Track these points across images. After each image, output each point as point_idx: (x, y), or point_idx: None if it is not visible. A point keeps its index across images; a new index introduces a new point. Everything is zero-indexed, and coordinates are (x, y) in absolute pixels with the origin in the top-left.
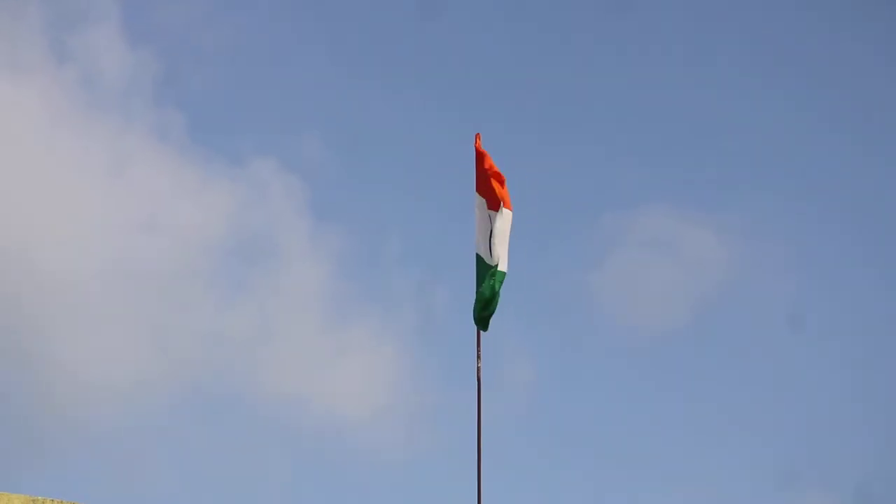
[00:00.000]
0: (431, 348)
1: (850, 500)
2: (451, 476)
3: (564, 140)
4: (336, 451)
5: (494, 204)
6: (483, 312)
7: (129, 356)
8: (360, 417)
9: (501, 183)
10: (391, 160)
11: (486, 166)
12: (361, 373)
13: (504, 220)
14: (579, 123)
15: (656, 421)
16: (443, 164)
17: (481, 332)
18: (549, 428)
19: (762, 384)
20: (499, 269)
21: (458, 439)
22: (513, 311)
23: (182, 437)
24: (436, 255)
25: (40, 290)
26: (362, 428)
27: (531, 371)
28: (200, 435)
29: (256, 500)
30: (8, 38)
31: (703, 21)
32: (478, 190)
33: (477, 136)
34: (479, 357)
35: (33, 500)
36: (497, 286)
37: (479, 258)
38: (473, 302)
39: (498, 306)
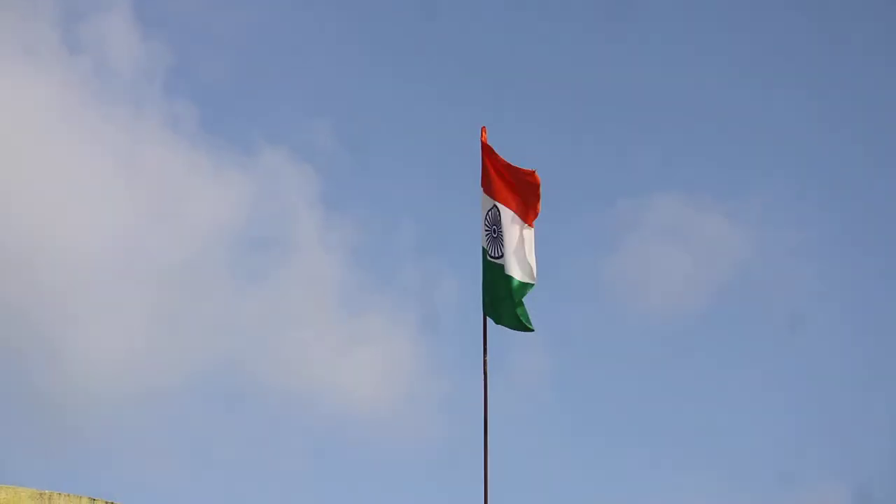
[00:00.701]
0: (443, 338)
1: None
2: (462, 465)
3: (578, 129)
4: (348, 440)
5: (523, 213)
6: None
7: (141, 346)
8: (372, 406)
9: (529, 191)
10: (403, 150)
11: (499, 163)
12: (373, 362)
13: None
14: (593, 112)
15: (668, 409)
16: (455, 154)
17: (490, 323)
18: (563, 415)
19: (771, 374)
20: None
21: (470, 428)
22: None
23: (195, 427)
24: (448, 245)
25: (51, 280)
26: (374, 417)
27: (544, 359)
28: (213, 424)
29: (269, 489)
30: (21, 28)
31: (716, 10)
32: (483, 183)
33: (483, 129)
34: (485, 350)
35: (41, 494)
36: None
37: (484, 251)
38: (482, 295)
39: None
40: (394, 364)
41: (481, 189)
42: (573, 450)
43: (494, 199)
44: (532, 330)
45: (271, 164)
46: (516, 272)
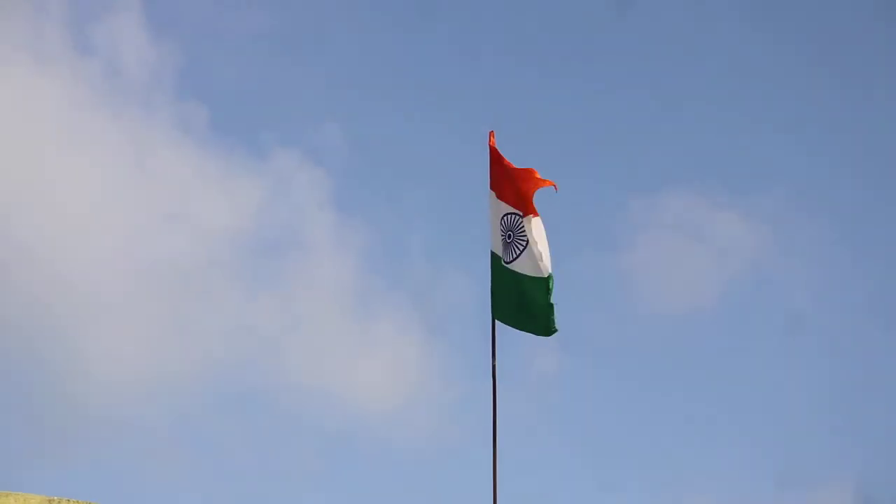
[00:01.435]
0: (454, 341)
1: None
2: (474, 469)
3: (591, 125)
4: (360, 444)
5: (527, 208)
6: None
7: (153, 351)
8: (384, 411)
9: (530, 183)
10: (413, 153)
11: (507, 167)
12: (385, 366)
13: (538, 226)
14: (605, 109)
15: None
16: (467, 155)
17: (499, 327)
18: (574, 417)
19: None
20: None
21: (483, 432)
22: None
23: (206, 432)
24: (460, 249)
25: (62, 283)
26: (386, 421)
27: (556, 360)
28: (225, 430)
29: (281, 494)
30: (31, 30)
31: (730, 4)
32: (492, 187)
33: (491, 133)
34: (494, 355)
35: (49, 501)
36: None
37: (493, 255)
38: (491, 299)
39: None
40: (404, 367)
41: (491, 193)
42: (584, 451)
43: (509, 205)
44: (555, 330)
45: (282, 166)
46: (536, 269)
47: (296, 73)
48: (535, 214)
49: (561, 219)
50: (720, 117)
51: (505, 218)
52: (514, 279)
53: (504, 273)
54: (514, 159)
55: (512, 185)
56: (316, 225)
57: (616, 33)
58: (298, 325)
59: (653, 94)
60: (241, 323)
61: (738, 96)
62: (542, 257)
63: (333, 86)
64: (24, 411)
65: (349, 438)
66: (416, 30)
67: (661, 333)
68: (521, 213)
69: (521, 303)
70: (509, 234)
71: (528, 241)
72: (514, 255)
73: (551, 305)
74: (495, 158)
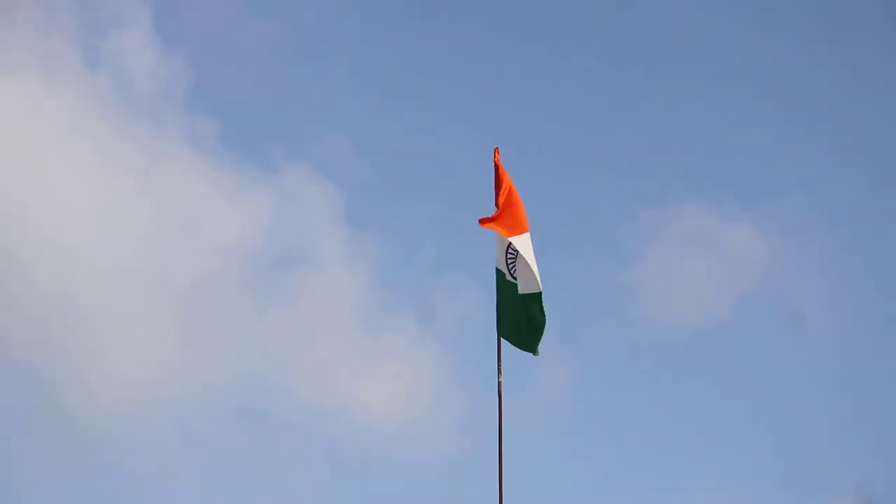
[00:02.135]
0: (466, 354)
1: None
2: (485, 483)
3: (598, 139)
4: (370, 459)
5: (515, 228)
6: (538, 337)
7: (161, 366)
8: (395, 426)
9: (515, 205)
10: (423, 164)
11: (504, 186)
12: (396, 381)
13: (526, 242)
14: (615, 120)
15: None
16: (476, 169)
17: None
18: (583, 429)
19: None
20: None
21: (493, 446)
22: (547, 311)
23: (215, 446)
24: (471, 264)
25: (70, 297)
26: (396, 436)
27: (565, 372)
28: (233, 445)
29: None
30: (40, 44)
31: (739, 15)
32: (497, 204)
33: (496, 150)
34: (499, 371)
35: None
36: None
37: (498, 272)
38: (497, 317)
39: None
40: (415, 381)
41: (496, 209)
42: (593, 463)
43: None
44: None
45: (292, 180)
46: (528, 286)
47: (304, 83)
48: (525, 230)
49: (570, 230)
50: (730, 128)
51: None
52: (516, 297)
53: (508, 291)
54: (525, 168)
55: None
56: (326, 239)
57: (624, 39)
58: (308, 340)
59: (663, 106)
60: (250, 338)
61: (749, 106)
62: (533, 272)
63: (342, 96)
64: (28, 428)
65: (359, 453)
66: (425, 38)
67: (671, 346)
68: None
69: (521, 320)
70: (511, 254)
71: (516, 256)
72: (514, 273)
73: (543, 324)
74: (499, 176)
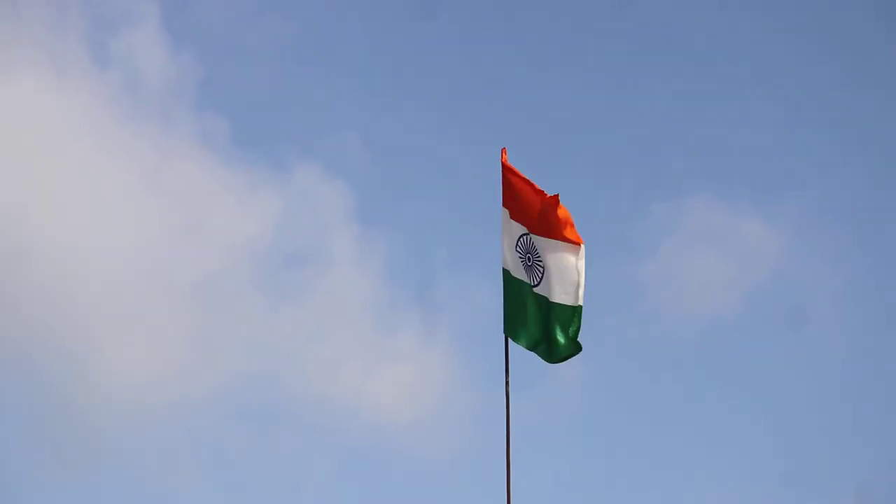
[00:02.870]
0: (478, 352)
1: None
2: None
3: (611, 130)
4: (382, 457)
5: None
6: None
7: (171, 364)
8: (406, 423)
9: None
10: (433, 161)
11: (519, 185)
12: (406, 379)
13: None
14: (626, 114)
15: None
16: (489, 162)
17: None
18: (594, 425)
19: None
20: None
21: (504, 444)
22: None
23: (224, 444)
24: (483, 261)
25: (80, 296)
26: (408, 434)
27: (576, 368)
28: (244, 442)
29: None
30: (49, 42)
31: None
32: (505, 205)
33: (503, 150)
34: (507, 372)
35: None
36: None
37: (505, 272)
38: (503, 316)
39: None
40: (427, 379)
41: (504, 212)
42: (605, 461)
43: (525, 227)
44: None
45: (303, 178)
46: (565, 297)
47: (315, 81)
48: (576, 242)
49: (581, 225)
50: (742, 122)
51: (522, 239)
52: (537, 302)
53: (515, 288)
54: (535, 164)
55: (529, 206)
56: (336, 237)
57: (631, 33)
58: (319, 338)
59: (674, 99)
60: (261, 336)
61: (760, 100)
62: (579, 285)
63: (351, 93)
64: (36, 429)
65: (371, 451)
66: (435, 35)
67: (682, 341)
68: (528, 231)
69: (545, 326)
70: (528, 257)
71: (544, 265)
72: (538, 279)
73: (576, 337)
74: (508, 175)
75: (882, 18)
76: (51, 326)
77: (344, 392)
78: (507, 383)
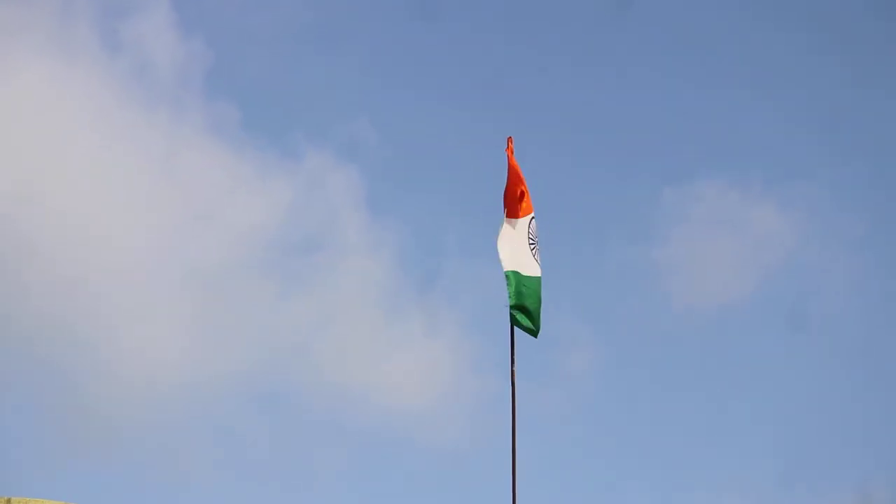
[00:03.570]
0: (486, 340)
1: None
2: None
3: (624, 116)
4: (392, 444)
5: (514, 212)
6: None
7: (183, 351)
8: (416, 410)
9: (520, 192)
10: (446, 152)
11: (513, 175)
12: (418, 366)
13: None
14: (638, 99)
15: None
16: (498, 157)
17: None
18: (605, 412)
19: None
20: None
21: (509, 433)
22: (570, 293)
23: (236, 430)
24: (492, 250)
25: (92, 285)
26: (418, 421)
27: (588, 353)
28: (255, 430)
29: (312, 493)
30: (60, 28)
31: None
32: (505, 203)
33: (509, 139)
34: (513, 361)
35: None
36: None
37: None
38: (511, 307)
39: (559, 291)
40: (436, 367)
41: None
42: (615, 451)
43: (520, 214)
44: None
45: (314, 165)
46: (530, 269)
47: (325, 67)
48: (529, 212)
49: (594, 210)
50: (755, 107)
51: (531, 227)
52: (526, 282)
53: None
54: (547, 153)
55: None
56: (347, 224)
57: (642, 26)
58: (330, 325)
59: (686, 84)
60: (272, 323)
61: (771, 85)
62: (535, 256)
63: (363, 80)
64: (51, 418)
65: (380, 438)
66: (445, 25)
67: (694, 327)
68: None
69: (530, 303)
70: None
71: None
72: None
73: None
74: (513, 166)
75: None
76: (62, 314)
77: (353, 378)
78: (512, 373)
